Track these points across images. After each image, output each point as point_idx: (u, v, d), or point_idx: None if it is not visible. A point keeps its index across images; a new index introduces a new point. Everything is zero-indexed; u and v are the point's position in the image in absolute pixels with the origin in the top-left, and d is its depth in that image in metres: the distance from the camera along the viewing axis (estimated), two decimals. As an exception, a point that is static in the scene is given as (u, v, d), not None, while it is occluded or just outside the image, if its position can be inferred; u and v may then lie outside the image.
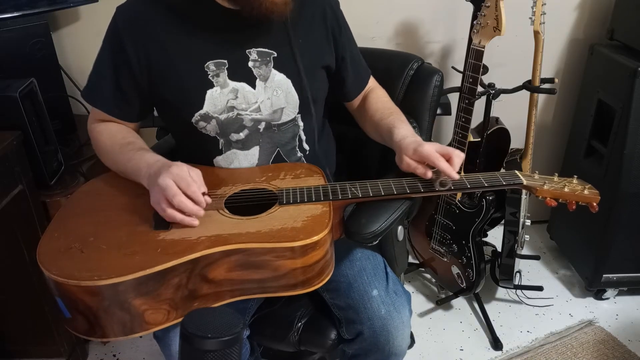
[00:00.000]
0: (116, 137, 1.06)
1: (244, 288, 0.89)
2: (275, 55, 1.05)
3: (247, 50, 1.03)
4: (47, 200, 1.41)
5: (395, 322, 1.02)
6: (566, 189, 1.00)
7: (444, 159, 0.97)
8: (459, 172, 0.99)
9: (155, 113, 1.15)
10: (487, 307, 1.81)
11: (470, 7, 1.48)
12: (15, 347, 1.60)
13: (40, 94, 1.39)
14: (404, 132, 1.05)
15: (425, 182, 1.01)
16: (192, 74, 1.01)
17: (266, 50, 1.04)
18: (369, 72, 1.22)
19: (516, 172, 1.03)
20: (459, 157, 0.97)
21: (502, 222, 1.71)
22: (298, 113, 1.09)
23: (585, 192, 1.00)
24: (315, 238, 0.87)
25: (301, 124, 1.10)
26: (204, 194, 0.91)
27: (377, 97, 1.19)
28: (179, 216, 0.89)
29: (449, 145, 1.53)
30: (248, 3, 0.95)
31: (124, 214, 0.94)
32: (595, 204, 0.99)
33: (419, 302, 1.86)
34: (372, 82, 1.23)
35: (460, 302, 1.86)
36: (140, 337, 1.71)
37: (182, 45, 1.01)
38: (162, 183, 0.88)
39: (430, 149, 0.97)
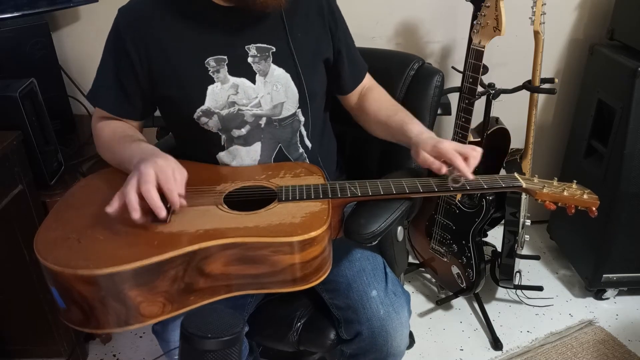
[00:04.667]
0: (117, 131, 1.07)
1: (240, 283, 0.89)
2: (274, 50, 1.05)
3: (246, 46, 1.04)
4: (47, 200, 1.41)
5: (394, 322, 1.03)
6: (565, 193, 1.00)
7: (462, 157, 0.98)
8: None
9: (157, 113, 1.16)
10: (487, 307, 1.81)
11: (470, 7, 1.48)
12: (15, 347, 1.61)
13: (40, 94, 1.39)
14: (419, 128, 1.07)
15: (425, 182, 1.01)
16: (193, 71, 1.03)
17: (265, 45, 1.05)
18: (366, 67, 1.22)
19: (516, 175, 1.03)
20: (475, 158, 0.98)
21: (502, 222, 1.71)
22: (298, 108, 1.09)
23: (585, 196, 1.00)
24: (313, 234, 0.87)
25: (302, 119, 1.11)
26: (180, 195, 0.89)
27: (378, 96, 1.19)
28: (133, 201, 0.84)
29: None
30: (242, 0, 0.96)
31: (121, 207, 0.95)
32: (594, 209, 0.99)
33: (419, 302, 1.86)
34: (369, 81, 1.23)
35: (460, 302, 1.86)
36: (140, 336, 1.73)
37: (183, 42, 1.03)
38: (142, 168, 0.87)
39: (449, 147, 0.98)
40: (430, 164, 1.00)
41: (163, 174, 0.88)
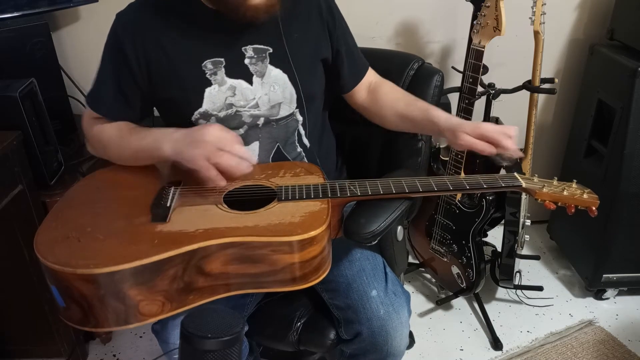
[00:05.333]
0: (121, 126, 1.07)
1: (240, 282, 0.89)
2: (271, 51, 1.05)
3: (242, 48, 1.04)
4: (47, 200, 1.41)
5: (394, 322, 1.02)
6: (565, 193, 1.00)
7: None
8: (459, 172, 0.99)
9: (156, 113, 1.16)
10: (487, 307, 1.81)
11: (470, 7, 1.48)
12: (15, 347, 1.61)
13: (40, 94, 1.39)
14: (444, 113, 1.07)
15: (424, 181, 1.01)
16: (190, 73, 1.03)
17: (262, 46, 1.05)
18: (367, 65, 1.21)
19: (515, 174, 1.03)
20: (515, 137, 1.00)
21: (502, 222, 1.71)
22: (296, 108, 1.09)
23: (585, 196, 0.99)
24: (313, 233, 0.87)
25: (300, 118, 1.11)
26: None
27: (391, 89, 1.19)
28: (233, 161, 0.91)
29: (449, 145, 1.53)
30: (232, 10, 0.97)
31: (122, 206, 0.95)
32: (594, 209, 0.99)
33: (419, 302, 1.86)
34: (375, 76, 1.22)
35: (460, 302, 1.86)
36: (140, 336, 1.73)
37: (180, 45, 1.03)
38: (210, 137, 0.91)
39: (492, 128, 0.99)
40: (476, 146, 0.99)
41: (224, 139, 0.93)
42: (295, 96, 1.08)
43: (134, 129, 1.05)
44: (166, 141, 0.96)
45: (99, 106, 1.08)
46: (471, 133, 1.00)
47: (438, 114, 1.07)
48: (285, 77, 1.06)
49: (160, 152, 0.97)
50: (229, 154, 0.91)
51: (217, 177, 0.92)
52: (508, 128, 1.00)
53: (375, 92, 1.19)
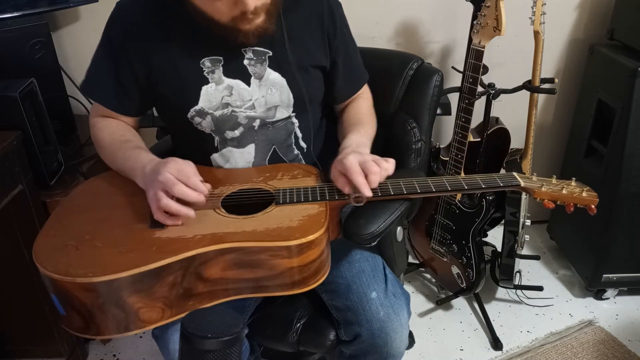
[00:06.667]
0: (115, 134, 1.07)
1: (239, 287, 0.89)
2: (271, 54, 1.05)
3: (242, 49, 1.04)
4: (47, 200, 1.41)
5: (394, 324, 1.02)
6: (564, 191, 0.99)
7: (364, 173, 0.94)
8: (459, 172, 0.98)
9: (155, 113, 1.16)
10: (487, 307, 1.81)
11: (470, 7, 1.48)
12: (15, 347, 1.61)
13: (40, 94, 1.39)
14: (357, 140, 1.04)
15: (422, 182, 1.01)
16: (188, 70, 1.02)
17: (262, 49, 1.05)
18: (365, 79, 1.21)
19: (514, 173, 1.03)
20: (375, 174, 0.93)
21: (502, 222, 1.71)
22: (292, 112, 1.09)
23: (584, 194, 0.99)
24: (311, 237, 0.87)
25: (296, 121, 1.11)
26: (202, 182, 0.92)
27: (356, 107, 1.19)
28: (174, 206, 0.88)
29: (449, 145, 1.53)
30: (222, 32, 0.97)
31: (120, 213, 0.95)
32: (593, 207, 0.99)
33: (419, 302, 1.86)
34: (362, 92, 1.21)
35: (460, 302, 1.86)
36: (140, 337, 1.73)
37: (179, 41, 1.02)
38: (161, 178, 0.89)
39: (352, 162, 0.94)
40: (335, 181, 0.97)
41: (182, 173, 0.90)
42: (292, 100, 1.07)
43: (123, 143, 1.05)
44: (137, 176, 0.98)
45: (95, 93, 1.08)
46: (336, 166, 0.97)
47: (348, 140, 1.04)
48: (283, 81, 1.06)
49: (135, 180, 0.99)
50: (182, 185, 0.89)
51: (179, 210, 0.89)
52: (370, 166, 0.93)
53: (346, 106, 1.20)
